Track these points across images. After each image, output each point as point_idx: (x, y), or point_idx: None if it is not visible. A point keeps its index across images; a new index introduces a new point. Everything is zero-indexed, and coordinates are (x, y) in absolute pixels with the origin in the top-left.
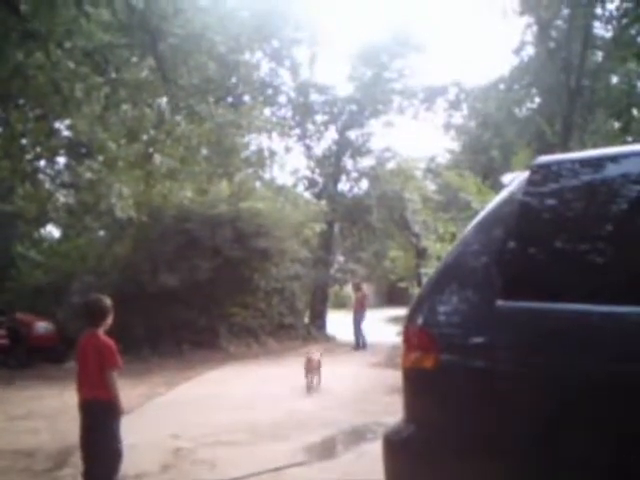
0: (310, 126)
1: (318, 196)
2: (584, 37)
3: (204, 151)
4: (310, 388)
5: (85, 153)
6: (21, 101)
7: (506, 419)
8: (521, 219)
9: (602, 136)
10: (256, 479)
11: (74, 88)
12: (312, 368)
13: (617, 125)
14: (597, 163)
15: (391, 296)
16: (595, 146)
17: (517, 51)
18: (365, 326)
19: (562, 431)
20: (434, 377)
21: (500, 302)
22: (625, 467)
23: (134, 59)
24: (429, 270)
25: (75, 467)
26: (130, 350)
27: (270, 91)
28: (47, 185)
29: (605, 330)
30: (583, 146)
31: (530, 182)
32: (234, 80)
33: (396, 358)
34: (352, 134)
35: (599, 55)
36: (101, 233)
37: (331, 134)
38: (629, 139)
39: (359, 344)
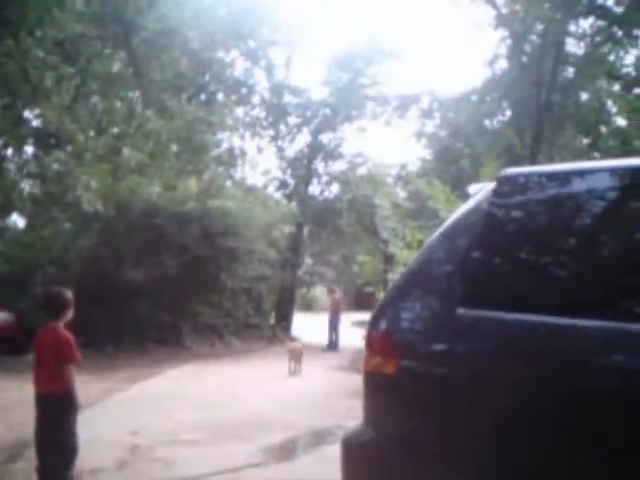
0: (283, 127)
1: (289, 198)
2: (556, 53)
3: (174, 147)
4: (292, 373)
5: (53, 144)
6: None
7: (463, 426)
8: (485, 229)
9: (570, 151)
10: (213, 479)
11: (44, 77)
12: (295, 356)
13: (585, 141)
14: (563, 177)
15: (358, 300)
16: (563, 161)
17: (490, 63)
18: (337, 330)
19: (519, 439)
20: (394, 382)
21: (461, 310)
22: (582, 472)
23: (106, 51)
24: (395, 276)
25: (30, 461)
26: (93, 345)
27: (244, 90)
28: (13, 174)
29: (563, 341)
30: (551, 160)
31: (496, 193)
32: (207, 77)
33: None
34: (325, 138)
35: (570, 71)
36: (67, 225)
37: (304, 137)
38: (597, 155)
39: (331, 345)
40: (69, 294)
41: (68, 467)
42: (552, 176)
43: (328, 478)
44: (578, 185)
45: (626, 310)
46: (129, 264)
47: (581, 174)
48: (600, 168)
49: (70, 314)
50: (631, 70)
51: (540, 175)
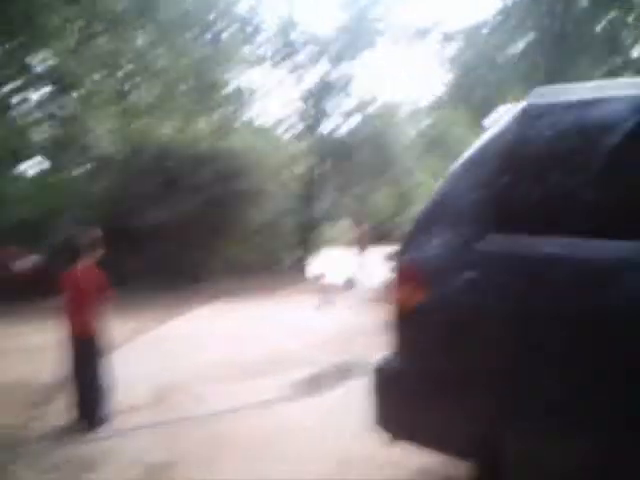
0: (294, 63)
1: (303, 135)
2: None
3: (183, 87)
4: (322, 307)
5: (61, 88)
6: None
7: (488, 356)
8: (510, 156)
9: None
10: (245, 413)
11: (47, 20)
12: (325, 290)
13: (599, 73)
14: (589, 103)
15: (382, 234)
16: None
17: None
18: (365, 264)
19: (548, 368)
20: (423, 311)
21: (488, 239)
22: (605, 398)
23: None
24: (415, 210)
25: (67, 399)
26: (121, 285)
27: (250, 28)
28: (19, 120)
29: (593, 263)
30: None
31: (520, 120)
32: (214, 15)
33: (390, 295)
34: (337, 72)
35: (584, 1)
36: (87, 167)
37: (316, 72)
38: None
39: (355, 282)
40: (97, 232)
41: (104, 404)
42: (578, 103)
43: (355, 411)
44: (602, 111)
45: None
46: (148, 205)
47: (606, 101)
48: (624, 96)
49: (99, 252)
50: None
51: (567, 99)
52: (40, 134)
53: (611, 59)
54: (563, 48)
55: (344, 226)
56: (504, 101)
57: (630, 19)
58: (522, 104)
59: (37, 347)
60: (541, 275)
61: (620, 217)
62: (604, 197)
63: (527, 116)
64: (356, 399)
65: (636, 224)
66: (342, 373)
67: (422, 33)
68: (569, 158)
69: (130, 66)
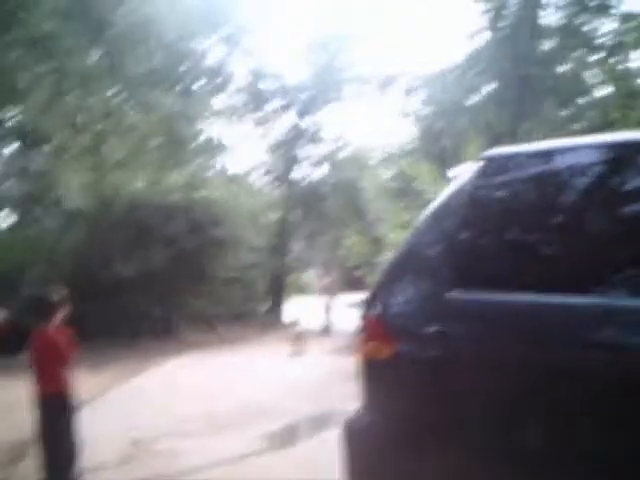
0: (262, 114)
1: (273, 184)
2: (532, 25)
3: (155, 141)
4: (295, 355)
5: (32, 143)
6: None
7: (459, 407)
8: (471, 210)
9: (552, 125)
10: (218, 469)
11: (18, 77)
12: (298, 338)
13: (565, 113)
14: (546, 155)
15: (349, 282)
16: (545, 135)
17: (472, 36)
18: (332, 311)
19: (515, 419)
20: (390, 366)
21: (453, 292)
22: (572, 450)
23: (80, 48)
24: (384, 258)
25: (34, 459)
26: (86, 340)
27: (219, 80)
28: None
29: (555, 319)
30: (533, 134)
31: (480, 174)
32: (183, 68)
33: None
34: (306, 121)
35: (548, 44)
36: (52, 223)
37: (285, 121)
38: (577, 127)
39: (326, 329)
40: (59, 294)
41: (72, 464)
42: (535, 155)
43: (329, 462)
44: (560, 162)
45: (614, 285)
46: (117, 259)
47: (562, 151)
48: (582, 145)
49: (62, 312)
50: (607, 39)
51: (523, 154)
52: (9, 189)
53: (576, 100)
54: (528, 91)
55: (314, 274)
56: (468, 152)
57: (593, 58)
58: (481, 157)
59: (4, 405)
60: (505, 328)
61: (581, 270)
62: (562, 250)
63: (485, 170)
64: (330, 451)
65: (596, 277)
66: (316, 423)
67: (389, 81)
68: (526, 211)
69: (101, 121)
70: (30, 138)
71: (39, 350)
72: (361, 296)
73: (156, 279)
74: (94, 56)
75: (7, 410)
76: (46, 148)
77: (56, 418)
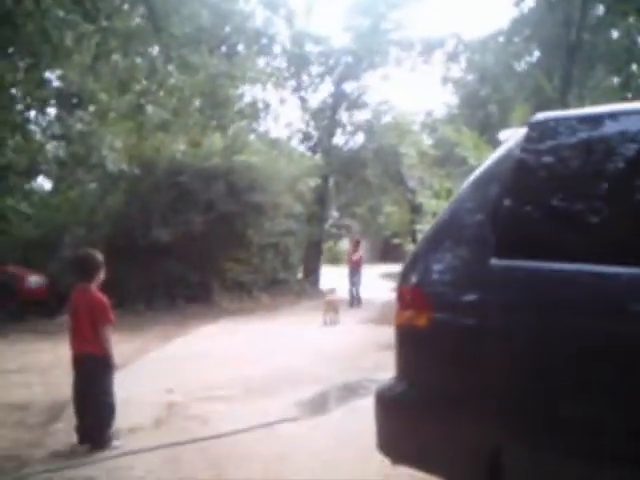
0: (305, 78)
1: (313, 150)
2: None
3: (197, 103)
4: (328, 324)
5: (76, 104)
6: (10, 50)
7: (497, 377)
8: (518, 176)
9: (601, 92)
10: (248, 434)
11: (64, 37)
12: (332, 307)
13: (617, 81)
14: (595, 120)
15: (385, 252)
16: (594, 102)
17: (517, 3)
18: (360, 283)
19: (551, 388)
20: (427, 335)
21: (494, 260)
22: (609, 424)
23: (125, 7)
24: (424, 226)
25: (69, 421)
26: (123, 304)
27: (265, 40)
28: (38, 137)
29: (601, 289)
30: (582, 102)
31: (527, 139)
32: (228, 30)
33: (389, 315)
34: (348, 87)
35: (600, 9)
36: (93, 186)
37: (327, 86)
38: (629, 95)
39: (354, 301)
40: (99, 256)
41: (107, 426)
42: (584, 120)
43: (360, 430)
44: (610, 128)
45: None
46: (156, 223)
47: (614, 117)
48: (633, 110)
49: (101, 276)
50: None
51: (572, 119)
52: (54, 150)
53: (628, 67)
54: (579, 57)
55: (349, 243)
56: (514, 119)
57: None
58: (529, 122)
59: (42, 367)
60: (548, 300)
61: (628, 242)
62: (610, 220)
63: (533, 135)
64: (362, 420)
65: None
66: (347, 391)
67: (432, 46)
68: (574, 178)
69: (144, 82)
70: (74, 99)
71: (80, 308)
72: (395, 267)
73: (194, 244)
74: (138, 16)
75: (45, 372)
76: (89, 109)
77: (93, 379)
